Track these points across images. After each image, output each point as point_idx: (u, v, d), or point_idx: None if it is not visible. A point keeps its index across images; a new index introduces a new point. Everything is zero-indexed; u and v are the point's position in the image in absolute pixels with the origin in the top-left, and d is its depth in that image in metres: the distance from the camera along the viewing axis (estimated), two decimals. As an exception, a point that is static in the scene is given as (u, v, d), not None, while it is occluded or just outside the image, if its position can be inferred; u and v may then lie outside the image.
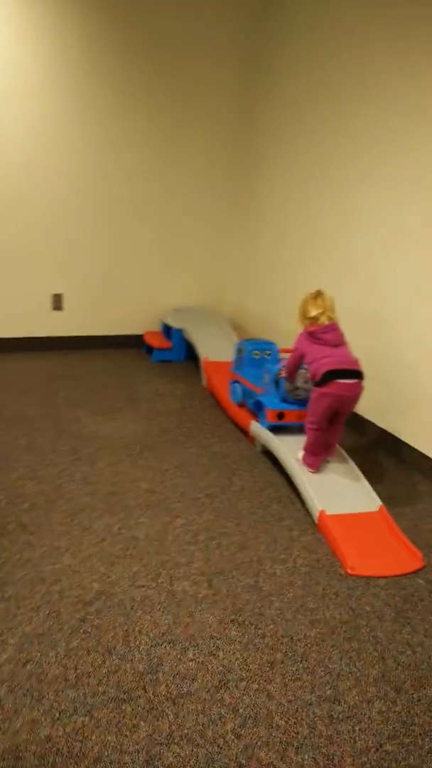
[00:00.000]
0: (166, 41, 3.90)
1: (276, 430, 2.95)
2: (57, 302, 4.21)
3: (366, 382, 2.64)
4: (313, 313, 2.68)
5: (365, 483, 2.68)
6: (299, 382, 2.90)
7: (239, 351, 3.37)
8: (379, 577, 2.20)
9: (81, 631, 1.82)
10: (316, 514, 2.48)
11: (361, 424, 3.40)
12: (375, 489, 2.65)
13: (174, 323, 4.26)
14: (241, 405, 3.34)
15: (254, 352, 3.29)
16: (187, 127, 4.15)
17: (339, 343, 2.68)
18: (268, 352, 3.30)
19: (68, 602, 1.92)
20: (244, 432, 3.25)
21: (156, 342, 4.29)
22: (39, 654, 1.72)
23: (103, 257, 4.23)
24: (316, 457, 2.71)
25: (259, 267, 4.35)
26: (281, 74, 3.94)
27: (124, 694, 1.62)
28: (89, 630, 1.82)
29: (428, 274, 2.92)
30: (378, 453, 3.22)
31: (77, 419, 3.25)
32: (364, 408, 3.32)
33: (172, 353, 4.29)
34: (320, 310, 2.67)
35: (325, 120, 3.57)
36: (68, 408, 3.38)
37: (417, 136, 2.93)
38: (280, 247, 4.09)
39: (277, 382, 2.99)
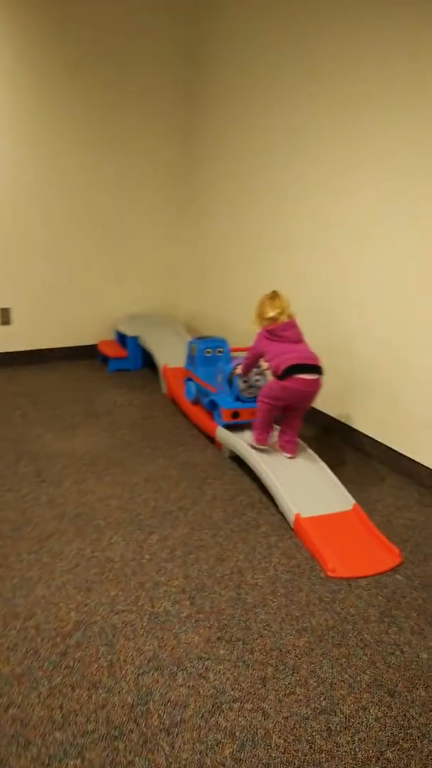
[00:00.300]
0: (105, 49, 3.80)
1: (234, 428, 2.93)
2: (5, 317, 4.05)
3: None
4: (272, 314, 2.71)
5: (337, 482, 2.68)
6: (252, 380, 2.97)
7: (191, 349, 3.39)
8: (360, 578, 2.19)
9: (63, 666, 1.73)
10: (291, 518, 2.45)
11: (314, 413, 3.40)
12: (340, 481, 2.65)
13: (128, 331, 4.17)
14: (194, 403, 3.38)
15: (206, 351, 3.31)
16: (130, 133, 4.07)
17: (298, 339, 2.73)
18: (220, 350, 3.33)
19: (46, 637, 1.83)
20: (210, 438, 3.21)
21: (111, 351, 4.19)
22: (20, 696, 1.63)
23: (51, 267, 4.10)
24: (265, 432, 2.76)
25: (211, 269, 4.31)
26: (220, 76, 3.91)
27: (116, 729, 1.55)
28: (71, 664, 1.74)
29: (374, 267, 2.94)
30: (333, 441, 3.28)
31: (37, 438, 3.13)
32: (318, 399, 3.33)
33: (129, 362, 4.20)
34: (278, 311, 2.70)
35: (263, 118, 3.56)
36: (26, 427, 3.25)
37: (354, 130, 2.94)
38: (230, 248, 4.06)
39: (230, 382, 3.01)
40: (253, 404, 2.92)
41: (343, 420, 3.32)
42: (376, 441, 3.12)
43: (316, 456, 2.84)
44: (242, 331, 3.96)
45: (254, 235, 3.81)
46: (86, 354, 4.39)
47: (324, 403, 3.42)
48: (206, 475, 2.87)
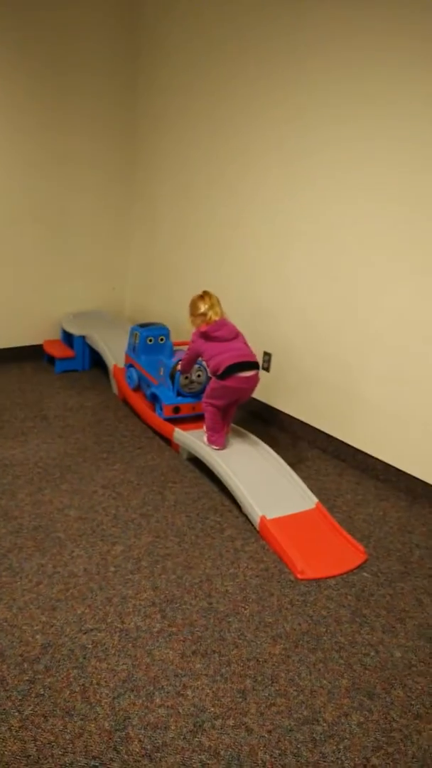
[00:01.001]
0: (48, 34, 3.61)
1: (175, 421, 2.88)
2: None
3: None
4: (202, 309, 2.77)
5: (298, 480, 2.67)
6: (193, 376, 3.06)
7: (134, 336, 3.40)
8: (328, 578, 2.19)
9: (33, 694, 1.64)
10: (257, 521, 2.42)
11: (271, 411, 3.41)
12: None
13: (75, 330, 4.03)
14: (136, 389, 3.45)
15: (148, 339, 3.33)
16: (76, 121, 3.90)
17: (233, 336, 2.77)
18: (162, 337, 3.36)
19: (12, 663, 1.73)
20: (166, 440, 3.14)
21: (57, 351, 4.04)
22: (-11, 731, 1.53)
23: (-10, 265, 3.90)
24: (219, 433, 2.82)
25: (157, 266, 4.22)
26: (164, 68, 3.81)
27: (95, 759, 1.48)
28: (42, 692, 1.65)
29: (311, 265, 2.95)
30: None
31: (-16, 447, 2.97)
32: (275, 396, 3.34)
33: (76, 362, 4.07)
34: (208, 305, 2.77)
35: (207, 114, 3.50)
36: (-28, 435, 3.08)
37: (300, 128, 2.93)
38: (177, 245, 3.98)
39: (172, 377, 3.07)
40: (193, 399, 3.07)
41: (297, 416, 3.32)
42: (332, 437, 3.14)
43: (275, 454, 2.83)
44: (189, 329, 3.91)
45: (201, 235, 3.75)
46: (31, 355, 4.22)
47: (279, 399, 3.42)
48: (166, 478, 2.81)
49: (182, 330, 3.80)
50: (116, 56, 3.94)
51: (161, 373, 3.15)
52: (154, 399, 3.19)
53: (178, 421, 3.07)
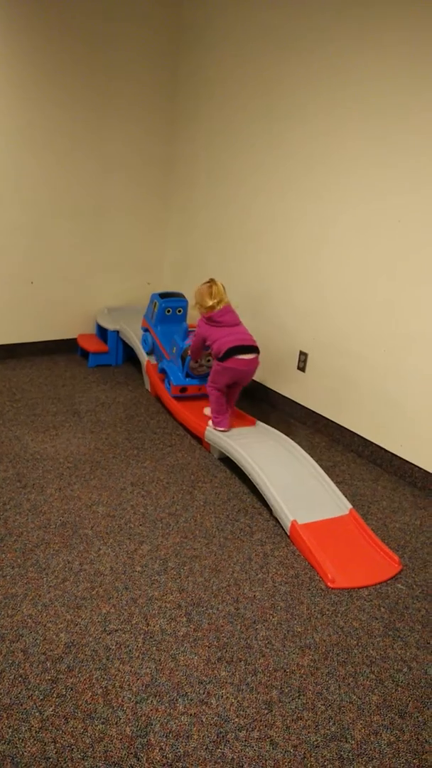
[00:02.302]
0: (86, 35, 3.60)
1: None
2: (-21, 310, 3.86)
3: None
4: (210, 303, 2.88)
5: (331, 484, 2.60)
6: (202, 360, 3.24)
7: (153, 305, 3.56)
8: (360, 588, 2.12)
9: (54, 694, 1.61)
10: (287, 525, 2.36)
11: (307, 412, 3.33)
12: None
13: (109, 325, 4.02)
14: (149, 353, 3.64)
15: (167, 310, 3.49)
16: (112, 119, 3.87)
17: (236, 322, 2.92)
18: (180, 309, 3.52)
19: (35, 661, 1.71)
20: (198, 438, 3.10)
21: (91, 346, 4.03)
22: (10, 730, 1.51)
23: (28, 260, 3.91)
24: (223, 415, 2.95)
25: (193, 262, 4.17)
26: (205, 63, 3.75)
27: (115, 766, 1.44)
28: (63, 692, 1.62)
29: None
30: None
31: (17, 439, 2.97)
32: (310, 397, 3.26)
33: (110, 357, 4.05)
34: (216, 300, 2.88)
35: (247, 103, 3.43)
36: (4, 427, 3.09)
37: (341, 122, 2.84)
38: (212, 242, 3.93)
39: (183, 359, 3.26)
40: (199, 381, 3.27)
41: (333, 419, 3.24)
42: (369, 441, 3.05)
43: (308, 457, 2.76)
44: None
45: (236, 228, 3.69)
46: (65, 348, 4.23)
47: (314, 400, 3.34)
48: (196, 478, 2.77)
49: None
50: (158, 46, 3.90)
51: (173, 351, 3.34)
52: (164, 373, 3.40)
53: (184, 399, 3.30)
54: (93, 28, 3.64)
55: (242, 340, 2.85)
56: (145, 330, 3.68)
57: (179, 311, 3.51)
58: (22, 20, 3.43)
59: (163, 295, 3.52)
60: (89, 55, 3.68)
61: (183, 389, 3.28)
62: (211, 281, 2.92)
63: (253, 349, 2.86)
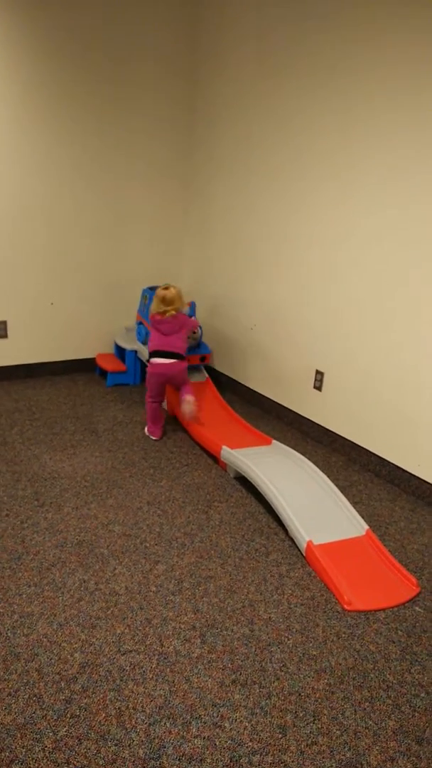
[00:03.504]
0: (107, 47, 3.70)
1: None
2: (1, 330, 3.94)
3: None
4: (162, 308, 3.22)
5: (348, 505, 2.58)
6: (190, 335, 3.58)
7: (144, 298, 3.90)
8: (377, 611, 2.09)
9: (68, 715, 1.61)
10: (303, 546, 2.35)
11: (324, 433, 3.32)
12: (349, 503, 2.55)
13: (127, 344, 4.06)
14: (144, 343, 3.83)
15: None
16: (132, 137, 3.96)
17: (171, 332, 3.23)
18: None
19: (49, 681, 1.72)
20: (214, 457, 3.10)
21: (109, 365, 4.08)
22: (23, 750, 1.51)
23: (48, 279, 3.99)
24: (155, 425, 3.30)
25: (209, 282, 4.21)
26: (223, 71, 3.82)
27: (127, 789, 1.43)
28: (77, 713, 1.62)
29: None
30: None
31: (35, 458, 3.01)
32: (329, 417, 3.25)
33: (128, 376, 4.09)
34: (164, 309, 3.21)
35: (265, 117, 3.48)
36: (24, 445, 3.13)
37: (355, 137, 2.86)
38: (229, 259, 3.96)
39: None
40: (189, 352, 3.57)
41: (350, 438, 3.22)
42: (386, 460, 3.03)
43: (324, 476, 2.75)
44: (243, 345, 3.88)
45: (252, 246, 3.72)
46: (84, 368, 4.28)
47: (331, 419, 3.33)
48: (211, 497, 2.77)
49: (236, 345, 3.77)
50: (175, 51, 3.97)
51: None
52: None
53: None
54: (113, 42, 3.72)
55: (163, 345, 3.21)
56: (139, 323, 3.96)
57: None
58: (44, 38, 3.53)
59: (153, 289, 3.79)
60: (108, 67, 3.77)
61: None
62: (168, 287, 3.22)
63: (173, 354, 3.20)
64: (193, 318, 3.63)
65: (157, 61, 3.90)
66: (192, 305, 3.82)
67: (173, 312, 3.22)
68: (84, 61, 3.67)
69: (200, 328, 3.78)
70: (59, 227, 3.91)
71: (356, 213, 3.00)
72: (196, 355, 3.75)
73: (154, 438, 3.28)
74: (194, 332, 3.69)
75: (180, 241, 4.40)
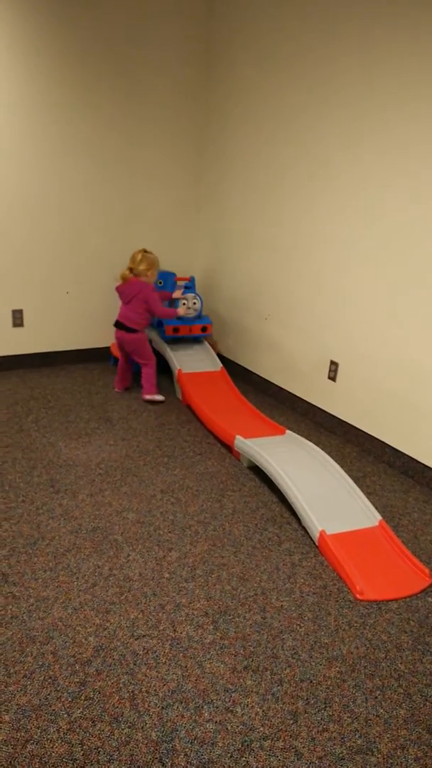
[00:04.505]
0: (118, 39, 3.69)
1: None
2: (17, 318, 3.97)
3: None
4: (125, 272, 3.53)
5: (361, 495, 2.58)
6: (189, 303, 3.80)
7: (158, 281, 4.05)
8: (389, 601, 2.10)
9: (82, 697, 1.64)
10: (316, 535, 2.35)
11: (339, 423, 3.31)
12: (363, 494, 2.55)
13: (142, 333, 4.07)
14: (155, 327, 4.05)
15: (158, 281, 3.98)
16: (145, 130, 3.96)
17: (128, 300, 3.52)
18: (161, 281, 4.03)
19: (64, 664, 1.74)
20: (228, 447, 3.11)
21: (124, 354, 4.09)
22: (39, 731, 1.54)
23: (63, 270, 4.01)
24: (119, 377, 3.75)
25: (225, 272, 4.20)
26: (238, 60, 3.79)
27: (140, 770, 1.46)
28: (91, 695, 1.65)
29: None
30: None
31: (51, 445, 3.04)
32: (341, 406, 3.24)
33: (142, 365, 4.10)
34: (130, 266, 3.51)
35: (278, 109, 3.45)
36: (39, 433, 3.16)
37: (372, 127, 2.83)
38: (243, 250, 3.95)
39: (172, 303, 3.85)
40: (190, 322, 3.83)
41: (364, 429, 3.22)
42: (400, 451, 3.02)
43: (338, 467, 2.74)
44: (257, 333, 3.88)
45: (267, 236, 3.70)
46: (98, 357, 4.30)
47: (345, 410, 3.32)
48: (225, 486, 2.78)
49: (251, 332, 3.76)
50: (189, 45, 3.96)
51: (164, 304, 3.82)
52: (159, 324, 3.90)
53: (178, 340, 3.91)
54: (129, 37, 3.72)
55: (120, 316, 3.54)
56: None
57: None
58: (60, 38, 3.53)
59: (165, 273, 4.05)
60: (128, 63, 3.76)
61: (175, 329, 3.81)
62: (141, 250, 3.51)
63: (122, 326, 3.51)
64: (166, 292, 3.86)
65: (172, 55, 3.88)
66: (191, 279, 4.02)
67: (128, 273, 3.47)
68: (105, 54, 3.66)
69: (200, 299, 3.87)
70: (74, 219, 3.93)
71: (373, 208, 2.97)
72: (198, 325, 3.88)
73: (117, 390, 3.77)
74: (194, 302, 3.84)
75: (193, 233, 4.40)
